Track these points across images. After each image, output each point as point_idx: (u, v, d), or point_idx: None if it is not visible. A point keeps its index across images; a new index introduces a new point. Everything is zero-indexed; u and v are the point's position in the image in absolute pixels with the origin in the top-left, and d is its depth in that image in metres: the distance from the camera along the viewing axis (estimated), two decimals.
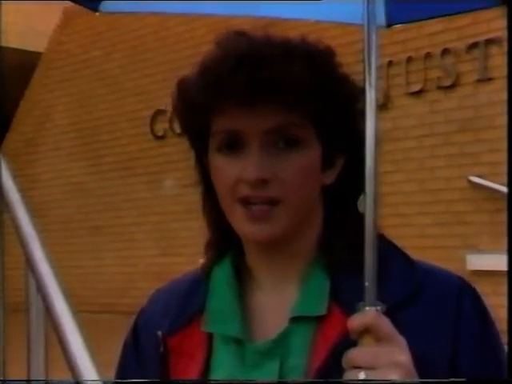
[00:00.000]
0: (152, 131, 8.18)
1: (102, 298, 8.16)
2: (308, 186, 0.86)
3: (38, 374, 2.02)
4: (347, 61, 0.92)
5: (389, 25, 1.10)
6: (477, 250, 5.45)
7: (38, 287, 1.96)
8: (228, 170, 0.85)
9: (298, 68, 0.83)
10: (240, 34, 0.87)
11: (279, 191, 0.84)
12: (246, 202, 0.84)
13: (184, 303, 0.92)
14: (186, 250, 7.48)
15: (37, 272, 1.96)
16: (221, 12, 1.18)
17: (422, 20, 1.16)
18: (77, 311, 1.84)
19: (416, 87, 6.02)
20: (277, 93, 0.82)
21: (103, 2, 1.11)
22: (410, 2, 1.10)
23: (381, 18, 1.09)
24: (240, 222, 0.86)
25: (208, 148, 0.89)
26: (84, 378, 1.63)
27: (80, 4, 1.15)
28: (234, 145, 0.85)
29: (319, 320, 0.85)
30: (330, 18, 1.15)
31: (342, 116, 0.86)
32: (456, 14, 1.13)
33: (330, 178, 0.89)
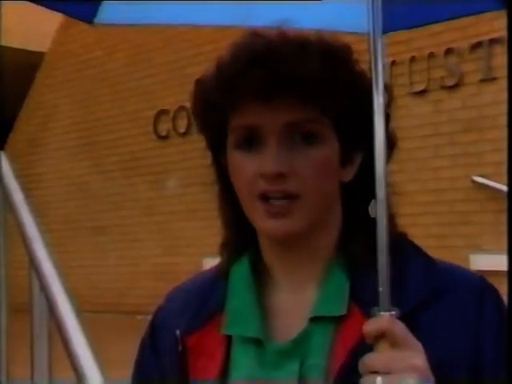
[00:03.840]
0: (155, 131, 8.19)
1: (105, 298, 8.16)
2: (326, 181, 0.86)
3: (42, 373, 2.02)
4: None
5: (384, 31, 1.10)
6: (480, 249, 5.44)
7: (41, 287, 1.96)
8: (247, 165, 0.85)
9: (315, 63, 0.84)
10: (256, 33, 0.88)
11: (297, 186, 0.84)
12: (264, 196, 0.84)
13: (202, 302, 0.92)
14: (189, 250, 7.48)
15: (40, 272, 1.96)
16: (217, 22, 1.16)
17: (413, 27, 1.15)
18: (80, 311, 1.84)
19: (419, 87, 6.02)
20: (293, 87, 0.82)
21: (98, 14, 1.09)
22: (402, 10, 1.09)
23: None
24: (259, 217, 0.85)
25: (226, 146, 0.89)
26: (87, 378, 1.63)
27: (74, 17, 1.12)
28: (252, 141, 0.85)
29: (339, 320, 0.84)
30: (333, 26, 1.14)
31: (359, 112, 0.86)
32: (448, 19, 1.12)
33: (348, 174, 0.89)
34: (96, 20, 1.10)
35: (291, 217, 0.84)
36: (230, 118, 0.86)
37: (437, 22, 1.14)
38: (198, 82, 0.90)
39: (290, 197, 0.84)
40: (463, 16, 1.11)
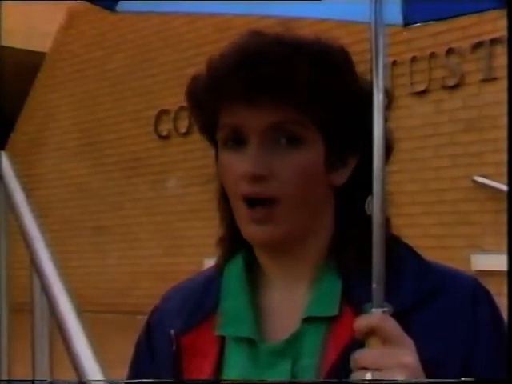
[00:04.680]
0: (156, 131, 8.19)
1: (106, 298, 8.17)
2: (308, 185, 0.85)
3: (43, 373, 2.02)
4: None
5: (406, 24, 1.09)
6: (481, 250, 5.44)
7: (42, 287, 1.96)
8: (232, 165, 0.86)
9: (302, 66, 0.83)
10: (254, 34, 0.88)
11: (276, 189, 0.84)
12: (247, 199, 0.85)
13: (197, 302, 0.92)
14: (189, 250, 7.48)
15: (41, 272, 1.96)
16: (229, 11, 1.17)
17: (440, 19, 1.14)
18: (81, 311, 1.84)
19: (420, 87, 6.02)
20: (274, 90, 0.83)
21: (120, 2, 1.08)
22: (427, 1, 1.09)
23: (398, 16, 1.08)
24: (243, 222, 0.86)
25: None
26: (88, 378, 1.63)
27: (96, 4, 1.10)
28: (237, 141, 0.86)
29: (331, 320, 0.85)
30: (337, 16, 1.14)
31: (353, 115, 0.86)
32: (473, 12, 1.11)
33: (341, 177, 0.88)
34: (118, 7, 1.09)
35: (273, 223, 0.84)
36: (218, 118, 0.87)
37: (452, 17, 1.13)
38: (190, 81, 0.90)
39: (270, 200, 0.84)
40: (479, 12, 1.10)
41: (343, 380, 0.77)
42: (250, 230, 0.85)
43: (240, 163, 0.85)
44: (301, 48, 0.85)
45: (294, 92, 0.83)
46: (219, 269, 0.93)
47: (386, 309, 0.76)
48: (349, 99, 0.86)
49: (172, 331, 0.90)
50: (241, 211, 0.85)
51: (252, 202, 0.84)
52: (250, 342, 0.87)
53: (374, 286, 0.76)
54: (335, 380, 0.80)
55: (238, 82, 0.83)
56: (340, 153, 0.87)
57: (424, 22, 1.12)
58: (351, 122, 0.86)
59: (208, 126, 0.90)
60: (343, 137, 0.87)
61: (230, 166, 0.86)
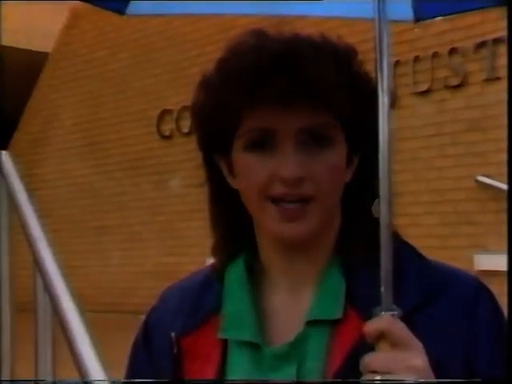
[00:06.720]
0: (158, 131, 8.19)
1: (109, 298, 8.17)
2: (337, 184, 0.87)
3: (46, 373, 2.03)
4: None
5: (417, 20, 1.10)
6: (484, 249, 5.43)
7: (45, 287, 1.96)
8: (260, 168, 0.85)
9: (331, 67, 0.84)
10: (263, 34, 0.87)
11: (313, 189, 0.84)
12: (279, 200, 0.84)
13: (197, 303, 0.92)
14: (192, 250, 7.48)
15: (44, 272, 1.96)
16: (234, 11, 1.17)
17: (451, 14, 1.14)
18: (84, 311, 1.84)
19: (423, 87, 6.01)
20: (314, 92, 0.83)
21: (130, 5, 1.08)
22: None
23: (408, 12, 1.08)
24: (272, 220, 0.85)
25: (231, 147, 0.88)
26: (91, 378, 1.63)
27: (106, 8, 1.10)
28: (265, 143, 0.85)
29: (335, 323, 0.85)
30: (341, 13, 1.14)
31: (363, 115, 0.86)
32: (484, 8, 1.11)
33: (348, 176, 0.89)
34: (128, 11, 1.09)
35: (304, 220, 0.84)
36: (244, 120, 0.85)
37: (463, 11, 1.12)
38: (206, 83, 0.88)
39: (305, 200, 0.84)
40: (490, 7, 1.10)
41: (350, 380, 0.77)
42: (282, 228, 0.84)
43: (273, 165, 0.84)
44: (321, 48, 0.85)
45: (332, 94, 0.83)
46: (219, 271, 0.92)
47: (394, 312, 0.76)
48: (362, 98, 0.86)
49: (173, 334, 0.90)
50: (269, 210, 0.85)
51: (283, 201, 0.84)
52: (254, 346, 0.86)
53: (382, 289, 0.76)
54: (340, 380, 0.80)
55: (277, 84, 0.81)
56: (352, 152, 0.89)
57: (435, 17, 1.12)
58: (362, 121, 0.87)
59: (223, 129, 0.87)
60: (358, 136, 0.88)
61: (258, 167, 0.85)
